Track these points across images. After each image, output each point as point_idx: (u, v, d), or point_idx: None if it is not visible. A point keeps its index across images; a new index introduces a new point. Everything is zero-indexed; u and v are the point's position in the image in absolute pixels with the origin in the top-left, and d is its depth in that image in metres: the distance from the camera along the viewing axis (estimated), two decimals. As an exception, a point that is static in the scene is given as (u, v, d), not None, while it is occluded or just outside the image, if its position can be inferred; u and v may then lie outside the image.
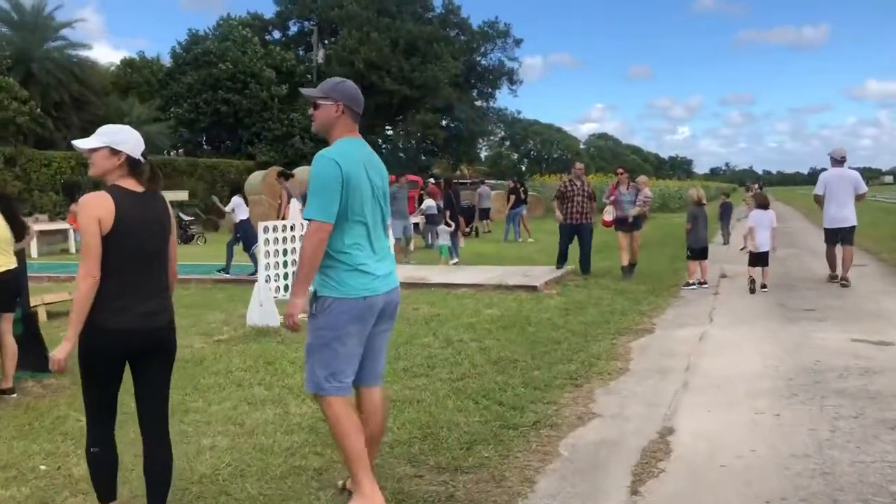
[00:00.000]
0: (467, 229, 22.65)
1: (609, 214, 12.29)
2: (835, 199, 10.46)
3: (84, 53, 32.27)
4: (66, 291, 9.45)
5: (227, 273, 12.61)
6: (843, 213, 10.42)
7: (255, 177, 28.61)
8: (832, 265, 10.75)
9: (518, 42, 43.38)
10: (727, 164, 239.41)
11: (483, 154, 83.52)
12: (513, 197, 20.37)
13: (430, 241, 18.48)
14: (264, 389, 5.62)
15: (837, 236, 10.49)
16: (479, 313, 8.72)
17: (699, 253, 11.05)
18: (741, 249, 16.09)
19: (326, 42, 46.05)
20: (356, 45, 39.05)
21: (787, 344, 6.86)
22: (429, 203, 18.56)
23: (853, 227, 10.44)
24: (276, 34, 49.23)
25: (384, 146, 44.75)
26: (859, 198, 10.58)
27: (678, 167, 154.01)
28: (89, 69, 32.04)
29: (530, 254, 16.21)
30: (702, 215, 11.31)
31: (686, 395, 5.33)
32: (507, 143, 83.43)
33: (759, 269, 10.32)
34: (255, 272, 12.01)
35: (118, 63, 40.25)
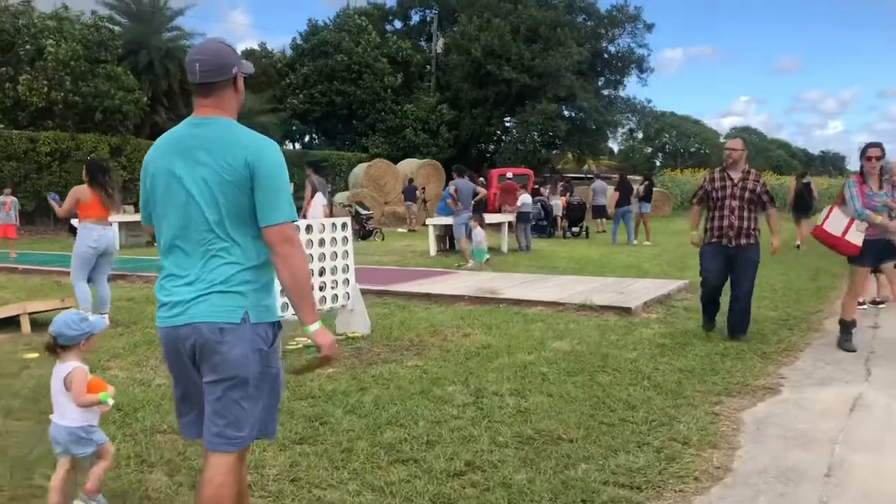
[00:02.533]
0: (576, 229, 20.43)
1: (857, 232, 6.41)
2: None
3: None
4: (59, 298, 8.09)
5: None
6: None
7: (359, 168, 27.44)
8: None
9: (649, 27, 40.06)
10: (886, 161, 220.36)
11: (616, 147, 79.96)
12: (617, 193, 17.86)
13: (521, 244, 16.37)
14: (164, 476, 3.81)
15: None
16: (542, 346, 6.63)
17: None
18: None
19: (447, 31, 44.53)
20: (475, 31, 37.19)
21: None
22: (524, 198, 16.48)
23: None
24: (398, 24, 48.23)
25: (504, 138, 42.76)
26: None
27: (830, 163, 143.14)
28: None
29: (641, 261, 13.82)
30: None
31: (824, 542, 3.09)
32: (640, 135, 79.45)
33: None
34: None
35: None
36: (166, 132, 2.78)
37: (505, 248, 16.18)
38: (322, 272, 6.95)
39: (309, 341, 7.01)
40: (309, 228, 6.83)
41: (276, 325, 2.71)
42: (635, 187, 18.31)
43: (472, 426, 4.50)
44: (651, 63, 41.99)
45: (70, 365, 3.21)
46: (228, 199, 2.57)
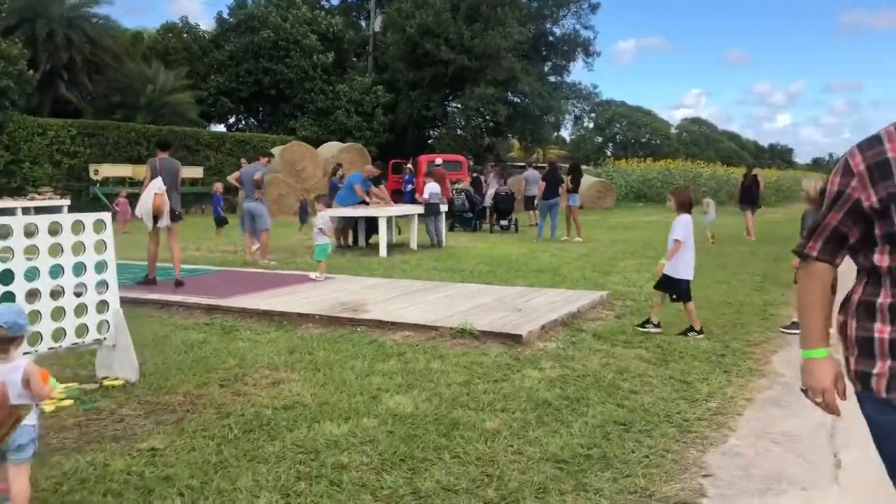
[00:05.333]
0: (505, 222, 18.45)
1: None
2: None
3: (103, 12, 29.36)
4: None
5: None
6: None
7: (273, 151, 24.96)
8: None
9: (594, 7, 38.20)
10: (831, 155, 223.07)
11: (567, 136, 78.40)
12: (544, 183, 15.91)
13: (433, 239, 14.34)
14: None
15: None
16: (373, 406, 4.56)
17: None
18: None
19: (385, 9, 42.23)
20: (412, 9, 34.90)
21: None
22: (432, 188, 14.41)
23: None
24: (335, 0, 45.76)
25: (442, 125, 40.60)
26: None
27: (778, 156, 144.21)
28: (104, 30, 28.99)
29: (563, 262, 11.86)
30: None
31: None
32: (590, 123, 78.14)
33: None
34: None
35: (157, 28, 37.31)
36: None
37: (413, 244, 14.10)
38: (58, 293, 4.76)
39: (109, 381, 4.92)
40: (31, 231, 4.62)
41: None
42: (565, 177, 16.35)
43: None
44: (598, 46, 40.08)
45: (22, 361, 2.95)
46: None
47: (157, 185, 8.64)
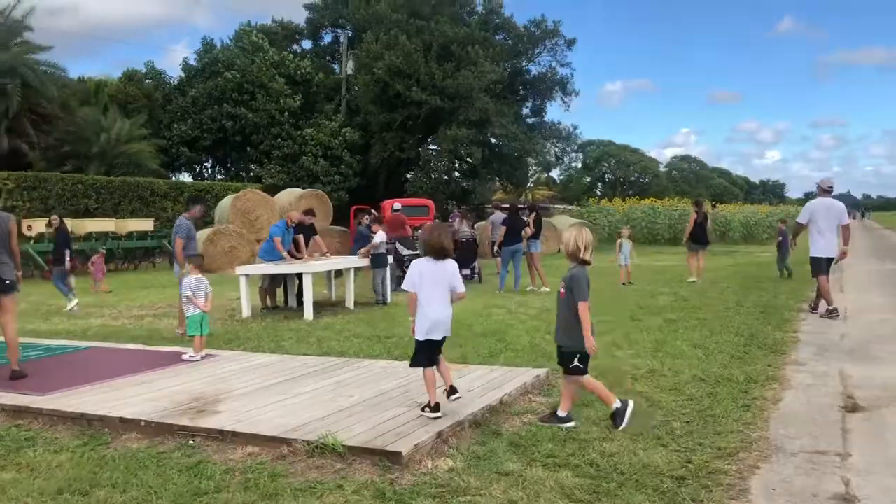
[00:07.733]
0: (466, 271, 16.66)
1: None
2: (821, 228, 10.10)
3: (51, 59, 27.91)
4: None
5: None
6: (833, 244, 10.10)
7: (226, 201, 23.34)
8: (829, 297, 10.11)
9: (570, 43, 36.87)
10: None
11: (557, 177, 77.34)
12: (504, 228, 14.20)
13: (379, 295, 12.61)
14: None
15: (825, 265, 10.07)
16: None
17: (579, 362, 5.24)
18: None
19: (357, 52, 41.09)
20: (381, 49, 33.63)
21: None
22: (381, 237, 12.71)
23: (832, 259, 10.20)
24: (307, 44, 44.66)
25: (417, 167, 39.07)
26: (841, 229, 10.16)
27: (770, 191, 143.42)
28: (50, 79, 27.48)
29: (516, 321, 10.11)
30: (580, 280, 5.14)
31: None
32: (577, 163, 77.10)
33: None
34: None
35: (118, 77, 36.00)
36: None
37: (350, 302, 12.31)
38: None
39: None
40: None
41: None
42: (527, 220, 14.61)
43: None
44: (577, 85, 38.88)
45: None
46: None
47: None
